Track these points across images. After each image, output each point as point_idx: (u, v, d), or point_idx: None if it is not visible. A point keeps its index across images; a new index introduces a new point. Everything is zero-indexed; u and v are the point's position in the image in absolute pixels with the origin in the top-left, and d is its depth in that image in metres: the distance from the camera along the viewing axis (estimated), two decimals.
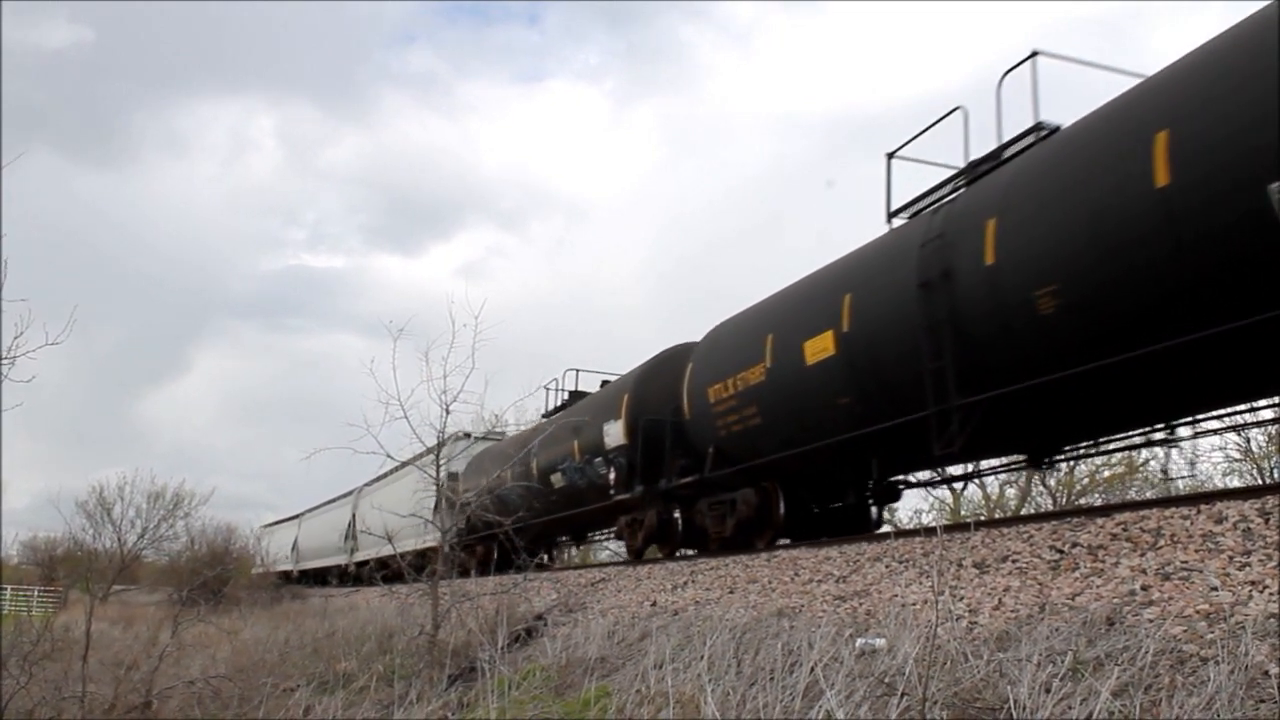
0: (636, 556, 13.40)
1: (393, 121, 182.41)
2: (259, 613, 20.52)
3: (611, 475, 13.20)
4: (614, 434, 13.22)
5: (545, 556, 19.57)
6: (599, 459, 13.66)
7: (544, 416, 18.11)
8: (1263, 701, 3.57)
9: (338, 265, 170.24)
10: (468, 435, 21.57)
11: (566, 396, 17.57)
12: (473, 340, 10.03)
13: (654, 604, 9.09)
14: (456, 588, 10.31)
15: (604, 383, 16.39)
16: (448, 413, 10.23)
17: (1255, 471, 16.84)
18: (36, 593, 34.76)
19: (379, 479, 24.14)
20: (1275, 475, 16.22)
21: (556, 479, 15.20)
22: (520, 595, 11.26)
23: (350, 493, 30.45)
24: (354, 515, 28.77)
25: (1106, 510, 6.40)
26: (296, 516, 40.31)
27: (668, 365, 13.22)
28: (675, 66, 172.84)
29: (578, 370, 18.11)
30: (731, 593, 8.33)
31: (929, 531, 7.70)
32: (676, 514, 12.86)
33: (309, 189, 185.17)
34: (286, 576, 37.10)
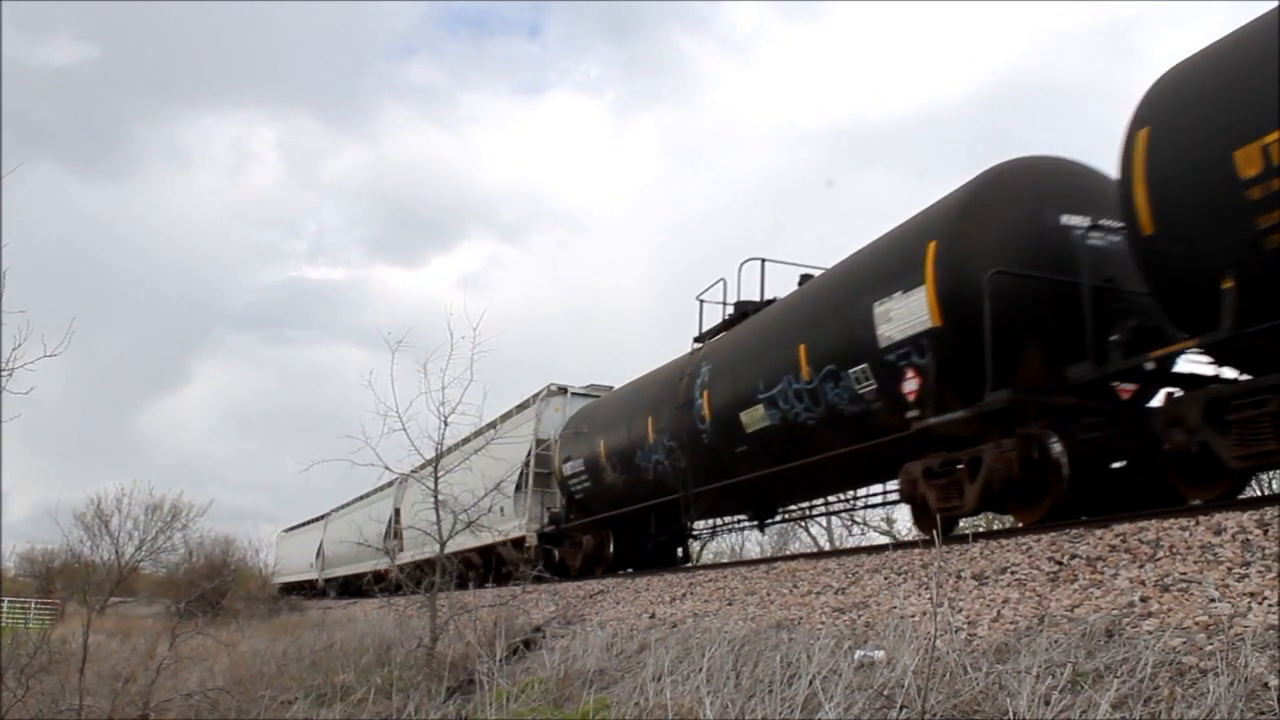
0: (944, 531, 6.83)
1: (393, 133, 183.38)
2: (257, 624, 20.46)
3: (908, 384, 8.09)
4: (907, 315, 8.13)
5: (679, 552, 14.57)
6: (860, 368, 8.60)
7: (698, 341, 12.83)
8: (1263, 714, 3.56)
9: (338, 277, 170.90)
10: (564, 390, 16.95)
11: (731, 312, 12.33)
12: (471, 352, 10.01)
13: (652, 616, 9.07)
14: (454, 600, 10.31)
15: (803, 278, 10.97)
16: (446, 424, 10.23)
17: (1254, 483, 16.82)
18: (34, 605, 34.70)
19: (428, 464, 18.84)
20: (1274, 487, 16.22)
21: (752, 417, 10.20)
22: (518, 607, 11.25)
23: (390, 483, 24.96)
24: (397, 510, 24.98)
25: (1105, 521, 6.38)
26: (321, 518, 37.05)
27: (1017, 179, 7.90)
28: (676, 77, 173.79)
29: (763, 260, 12.14)
30: (730, 604, 8.32)
31: (928, 543, 7.45)
32: (1055, 443, 7.21)
33: (310, 201, 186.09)
34: (310, 587, 35.26)
